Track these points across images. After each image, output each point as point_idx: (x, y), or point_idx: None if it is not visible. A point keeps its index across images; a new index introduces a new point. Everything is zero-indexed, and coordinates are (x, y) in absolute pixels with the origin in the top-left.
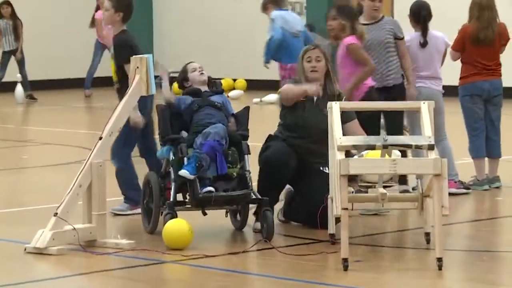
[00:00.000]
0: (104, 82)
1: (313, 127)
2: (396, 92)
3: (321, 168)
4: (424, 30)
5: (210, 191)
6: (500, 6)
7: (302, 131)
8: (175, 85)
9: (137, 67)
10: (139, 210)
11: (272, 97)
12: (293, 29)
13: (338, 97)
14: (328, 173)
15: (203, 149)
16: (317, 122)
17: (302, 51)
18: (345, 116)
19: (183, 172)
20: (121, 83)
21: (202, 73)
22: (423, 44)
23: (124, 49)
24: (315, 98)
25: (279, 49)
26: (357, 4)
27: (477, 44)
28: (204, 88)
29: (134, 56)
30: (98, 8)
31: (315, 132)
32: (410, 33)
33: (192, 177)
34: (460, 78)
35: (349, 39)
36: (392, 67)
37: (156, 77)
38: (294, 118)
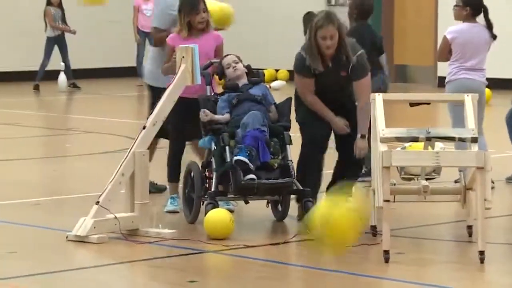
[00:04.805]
0: None
1: (330, 91)
2: None
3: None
4: (488, 23)
5: (252, 179)
6: (498, 4)
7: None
8: (216, 77)
9: (183, 57)
10: None
11: (278, 83)
12: None
13: (348, 62)
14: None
15: (246, 142)
16: (333, 85)
17: (314, 26)
18: (358, 72)
19: (239, 157)
20: None
21: (236, 68)
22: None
23: None
24: (330, 65)
25: None
26: None
27: None
28: (243, 81)
29: (180, 46)
30: None
31: (332, 94)
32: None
33: (248, 161)
34: None
35: None
36: None
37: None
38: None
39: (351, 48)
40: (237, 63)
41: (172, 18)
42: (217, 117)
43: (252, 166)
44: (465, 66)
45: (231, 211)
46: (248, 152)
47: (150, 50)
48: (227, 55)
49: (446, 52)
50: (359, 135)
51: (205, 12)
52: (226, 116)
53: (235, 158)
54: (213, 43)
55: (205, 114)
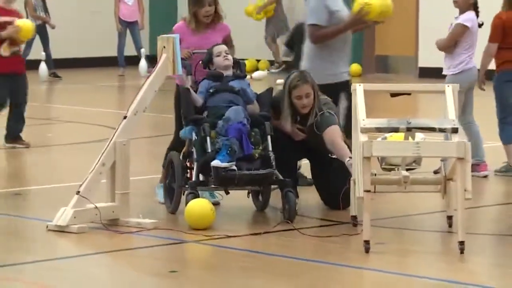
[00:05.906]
0: (133, 61)
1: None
2: None
3: (330, 155)
4: (476, 12)
5: (233, 170)
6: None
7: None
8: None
9: (164, 47)
10: None
11: (259, 74)
12: None
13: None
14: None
15: (229, 134)
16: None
17: (288, 86)
18: (322, 124)
19: (215, 163)
20: None
21: (226, 58)
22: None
23: None
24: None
25: None
26: None
27: None
28: (227, 72)
29: (161, 36)
30: None
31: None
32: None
33: (225, 165)
34: (502, 63)
35: None
36: None
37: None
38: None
39: (319, 108)
40: (228, 53)
41: (330, 11)
42: (194, 95)
43: (231, 164)
44: (473, 54)
45: (217, 203)
46: (229, 149)
47: (306, 47)
48: (218, 44)
49: (455, 41)
50: (347, 160)
51: (211, 5)
52: (200, 101)
53: (212, 164)
54: (220, 37)
55: (186, 79)
